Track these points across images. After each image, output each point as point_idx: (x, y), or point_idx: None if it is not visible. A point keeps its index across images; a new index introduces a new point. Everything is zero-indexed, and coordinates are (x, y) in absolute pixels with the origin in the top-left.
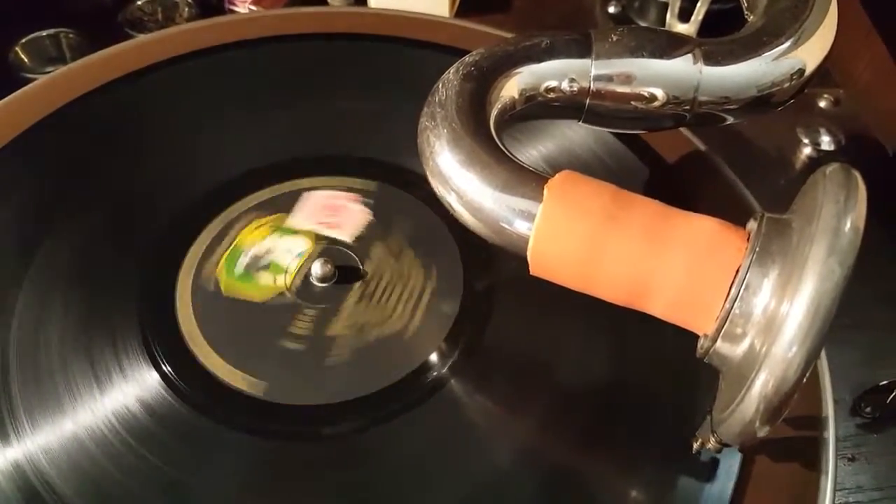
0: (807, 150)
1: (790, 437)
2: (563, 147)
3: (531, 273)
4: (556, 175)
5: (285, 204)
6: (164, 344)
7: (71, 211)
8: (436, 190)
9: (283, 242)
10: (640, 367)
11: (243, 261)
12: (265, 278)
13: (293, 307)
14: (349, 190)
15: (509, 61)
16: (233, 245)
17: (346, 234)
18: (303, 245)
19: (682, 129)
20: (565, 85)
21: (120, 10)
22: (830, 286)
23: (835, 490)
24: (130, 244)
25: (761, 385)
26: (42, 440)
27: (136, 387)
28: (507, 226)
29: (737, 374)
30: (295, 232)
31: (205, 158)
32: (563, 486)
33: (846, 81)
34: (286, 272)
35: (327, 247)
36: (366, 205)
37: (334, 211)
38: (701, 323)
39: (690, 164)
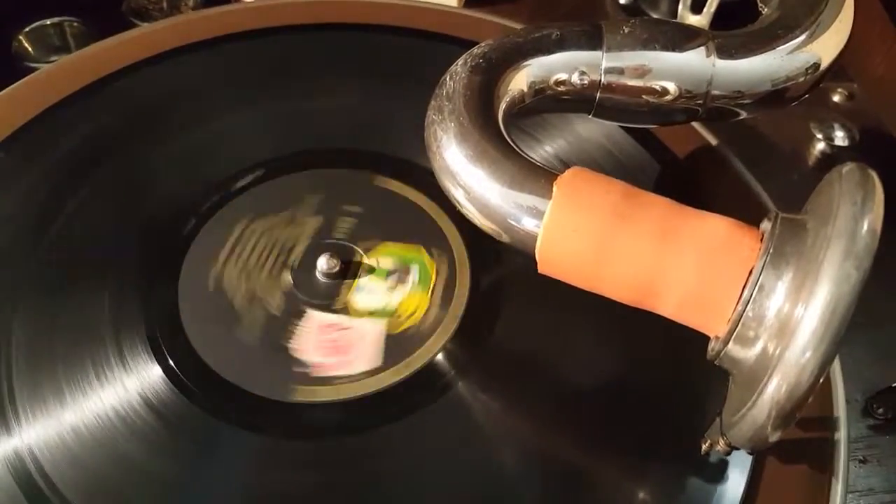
0: (820, 146)
1: (801, 439)
2: (575, 143)
3: (539, 272)
4: (566, 171)
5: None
6: (167, 338)
7: (76, 201)
8: (443, 186)
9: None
10: (651, 367)
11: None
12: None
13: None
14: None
15: (518, 53)
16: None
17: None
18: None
19: (695, 125)
20: (575, 78)
21: None
22: (846, 290)
23: (846, 493)
24: (135, 235)
25: (774, 390)
26: (42, 433)
27: (137, 381)
28: (514, 223)
29: (748, 377)
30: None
31: (210, 150)
32: (572, 488)
33: (861, 75)
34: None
35: (334, 243)
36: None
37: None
38: (712, 325)
39: (702, 160)
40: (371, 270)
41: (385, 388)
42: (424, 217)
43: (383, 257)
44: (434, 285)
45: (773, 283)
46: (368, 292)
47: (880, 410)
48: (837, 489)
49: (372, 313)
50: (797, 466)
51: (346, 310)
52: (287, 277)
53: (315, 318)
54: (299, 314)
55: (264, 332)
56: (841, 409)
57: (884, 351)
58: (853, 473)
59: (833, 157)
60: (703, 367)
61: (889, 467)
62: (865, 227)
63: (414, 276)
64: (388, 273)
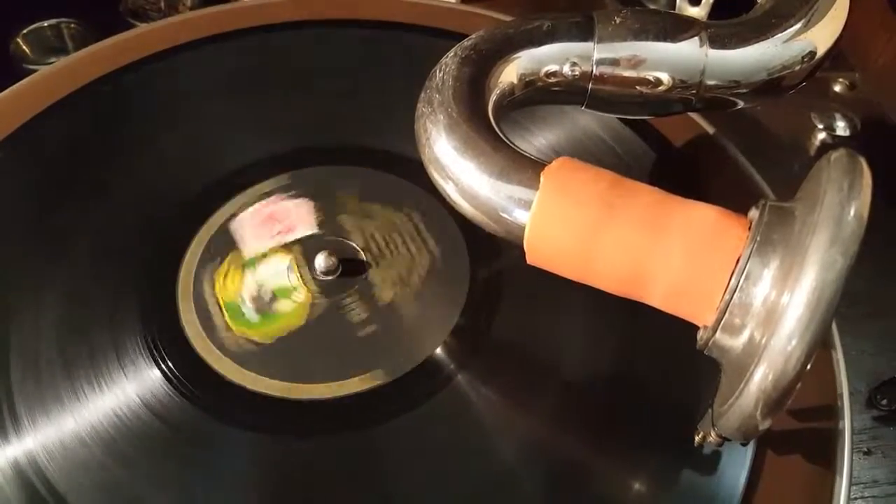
0: (821, 136)
1: (804, 430)
2: (572, 135)
3: (528, 262)
4: (553, 161)
5: (225, 245)
6: (165, 341)
7: (73, 203)
8: (432, 178)
9: (263, 271)
10: (651, 359)
11: (250, 308)
12: (284, 305)
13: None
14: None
15: (509, 45)
16: (223, 305)
17: (306, 229)
18: (282, 261)
19: (693, 115)
20: (567, 69)
21: None
22: (832, 277)
23: (850, 484)
24: (133, 237)
25: (760, 378)
26: (42, 438)
27: (137, 384)
28: (503, 214)
29: (737, 366)
30: (263, 256)
31: (208, 150)
32: (571, 483)
33: (862, 64)
34: (295, 288)
35: (305, 247)
36: (297, 196)
37: (275, 219)
38: (700, 314)
39: (702, 151)
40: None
41: (384, 384)
42: (422, 212)
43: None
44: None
45: (760, 270)
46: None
47: (884, 401)
48: (841, 481)
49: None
50: (800, 458)
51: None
52: (305, 296)
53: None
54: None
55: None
56: (844, 401)
57: (887, 342)
58: (857, 465)
59: (834, 147)
60: (704, 358)
61: (893, 459)
62: (852, 212)
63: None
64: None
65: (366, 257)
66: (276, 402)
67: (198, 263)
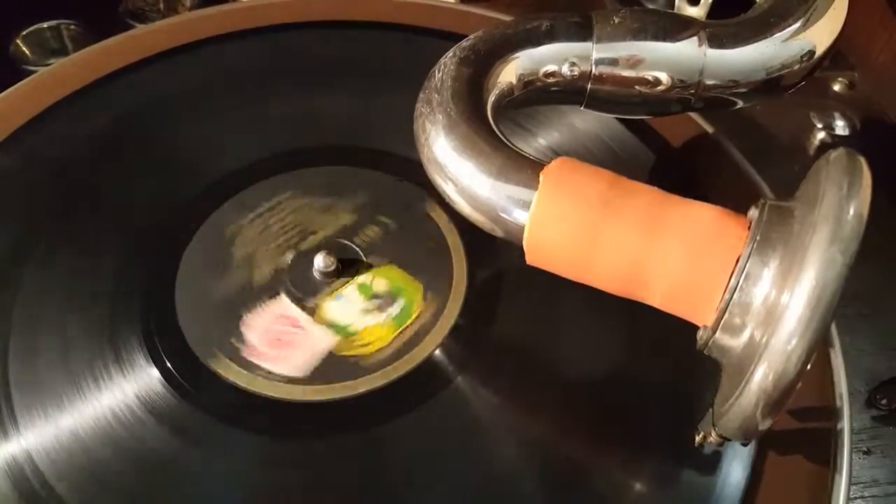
0: (821, 135)
1: (803, 430)
2: (571, 135)
3: (527, 262)
4: (553, 161)
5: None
6: (164, 341)
7: (73, 203)
8: (432, 178)
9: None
10: (651, 359)
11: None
12: None
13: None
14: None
15: (508, 45)
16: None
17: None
18: None
19: (693, 115)
20: (565, 69)
21: (121, 0)
22: (832, 276)
23: (850, 484)
24: (133, 237)
25: (760, 378)
26: (39, 436)
27: (135, 384)
28: (502, 214)
29: (737, 366)
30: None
31: (207, 151)
32: (571, 483)
33: (862, 64)
34: None
35: (332, 239)
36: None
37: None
38: (700, 314)
39: (701, 151)
40: (361, 286)
41: (383, 385)
42: (417, 214)
43: (380, 278)
44: (406, 328)
45: (760, 270)
46: (344, 303)
47: (884, 401)
48: (841, 481)
49: (331, 326)
50: (799, 458)
51: (313, 311)
52: (287, 258)
53: (279, 305)
54: (274, 294)
55: (234, 293)
56: (844, 400)
57: (887, 341)
58: (857, 465)
59: (833, 147)
60: (704, 357)
61: (893, 458)
62: (852, 211)
63: (395, 309)
64: (374, 296)
65: (365, 258)
66: (276, 403)
67: (196, 261)
